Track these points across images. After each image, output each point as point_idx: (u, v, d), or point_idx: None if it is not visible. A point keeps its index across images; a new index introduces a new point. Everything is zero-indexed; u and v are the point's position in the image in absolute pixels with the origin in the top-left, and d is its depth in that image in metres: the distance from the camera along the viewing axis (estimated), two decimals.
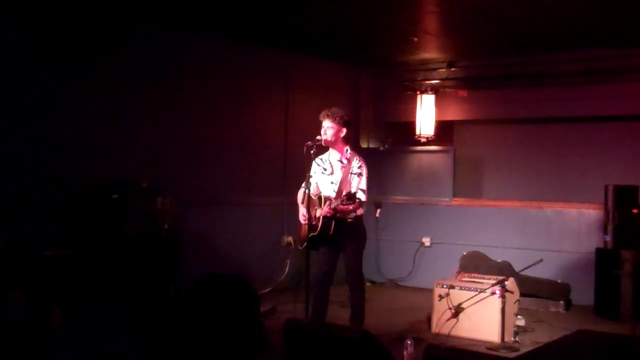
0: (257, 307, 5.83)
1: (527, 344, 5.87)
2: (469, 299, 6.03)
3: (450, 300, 6.11)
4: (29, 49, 5.90)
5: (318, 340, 3.53)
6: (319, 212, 5.36)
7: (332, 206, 5.30)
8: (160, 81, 6.98)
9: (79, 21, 6.26)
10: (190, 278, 5.98)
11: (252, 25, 7.14)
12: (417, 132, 8.84)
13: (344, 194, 5.26)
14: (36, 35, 5.94)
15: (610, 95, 7.84)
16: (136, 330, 5.07)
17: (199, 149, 7.39)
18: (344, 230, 5.44)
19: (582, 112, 8.09)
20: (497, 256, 7.57)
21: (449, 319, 6.06)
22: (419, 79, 8.91)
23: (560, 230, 7.96)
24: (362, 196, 5.45)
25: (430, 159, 8.98)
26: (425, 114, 8.81)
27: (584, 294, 7.42)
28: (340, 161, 5.55)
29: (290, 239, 8.09)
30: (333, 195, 5.44)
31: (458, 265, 7.40)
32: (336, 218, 5.37)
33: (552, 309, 7.35)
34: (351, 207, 5.35)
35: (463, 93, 8.86)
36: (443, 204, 8.71)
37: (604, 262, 7.21)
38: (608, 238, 7.23)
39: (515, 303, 6.13)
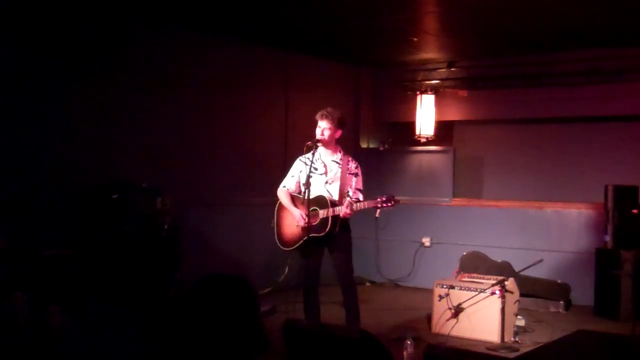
0: (257, 307, 5.83)
1: (527, 344, 5.87)
2: (468, 299, 6.03)
3: (450, 301, 6.11)
4: (29, 49, 5.90)
5: (318, 340, 3.53)
6: (322, 213, 5.32)
7: (355, 207, 5.30)
8: (160, 81, 6.98)
9: (79, 21, 6.26)
10: (190, 278, 5.99)
11: (252, 25, 7.14)
12: (417, 132, 8.84)
13: (383, 198, 5.26)
14: (36, 35, 5.94)
15: (610, 95, 7.84)
16: (136, 330, 5.08)
17: (199, 149, 7.40)
18: (339, 231, 5.43)
19: (582, 112, 8.10)
20: (497, 256, 7.57)
21: (448, 319, 6.06)
22: (419, 79, 8.92)
23: (560, 230, 7.96)
24: (360, 196, 5.46)
25: (430, 159, 8.98)
26: (425, 114, 8.81)
27: (583, 294, 7.42)
28: (336, 161, 5.54)
29: None
30: (328, 195, 5.41)
31: (458, 266, 7.41)
32: (340, 219, 5.36)
33: (552, 309, 7.35)
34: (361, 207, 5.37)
35: (463, 93, 8.86)
36: (443, 204, 8.72)
37: (603, 262, 7.21)
38: (608, 238, 7.23)
39: (515, 303, 6.13)
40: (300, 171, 5.58)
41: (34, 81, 5.95)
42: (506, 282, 5.99)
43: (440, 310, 6.18)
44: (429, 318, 6.47)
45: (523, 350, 5.70)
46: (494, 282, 6.05)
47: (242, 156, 7.88)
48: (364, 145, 9.49)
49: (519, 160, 8.88)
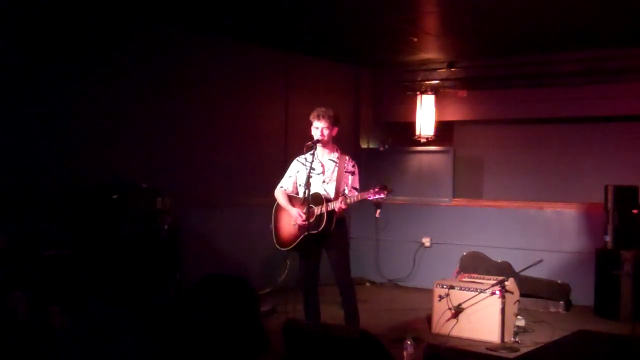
0: (257, 307, 5.83)
1: (527, 344, 5.87)
2: (468, 300, 6.03)
3: (450, 301, 6.11)
4: (29, 49, 5.90)
5: (318, 340, 3.53)
6: (317, 210, 5.34)
7: (352, 200, 5.29)
8: (160, 81, 6.98)
9: (80, 21, 6.25)
10: (190, 278, 5.98)
11: (252, 25, 7.14)
12: (417, 133, 8.84)
13: (376, 189, 5.23)
14: (36, 35, 5.94)
15: (610, 95, 7.84)
16: (136, 331, 5.08)
17: (199, 149, 7.39)
18: (335, 230, 5.43)
19: (582, 112, 8.09)
20: (497, 256, 7.57)
21: (448, 319, 6.06)
22: (419, 79, 8.91)
23: (560, 230, 7.96)
24: (356, 194, 5.45)
25: (430, 159, 8.98)
26: (425, 114, 8.81)
27: (584, 294, 7.42)
28: (333, 160, 5.54)
29: None
30: (324, 193, 5.42)
31: (458, 266, 7.41)
32: (336, 215, 5.36)
33: (552, 309, 7.35)
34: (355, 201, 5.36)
35: (463, 93, 8.87)
36: (443, 204, 8.72)
37: (603, 262, 7.21)
38: (608, 238, 7.23)
39: (515, 303, 6.13)
40: (298, 171, 5.59)
41: (34, 81, 5.94)
42: (506, 282, 5.99)
43: (440, 310, 6.18)
44: (429, 318, 6.47)
45: (523, 350, 5.70)
46: (494, 282, 6.06)
47: (242, 156, 7.87)
48: (364, 145, 9.49)
49: (519, 160, 8.87)
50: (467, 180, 9.00)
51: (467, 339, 5.95)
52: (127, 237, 6.03)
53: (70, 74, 6.19)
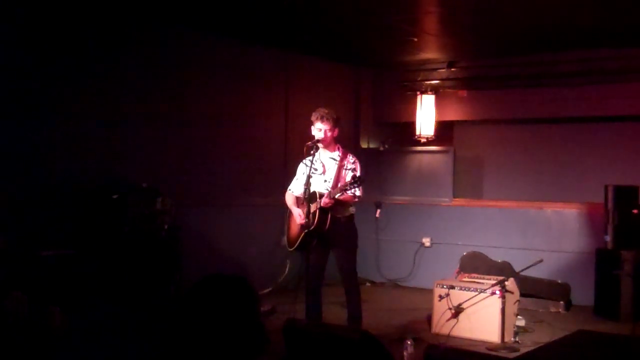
0: (257, 307, 5.82)
1: (527, 344, 5.87)
2: (469, 299, 6.03)
3: (450, 301, 6.11)
4: (29, 49, 5.90)
5: (318, 340, 3.53)
6: (312, 208, 5.35)
7: (333, 195, 5.30)
8: (160, 81, 6.98)
9: (80, 21, 6.25)
10: (190, 278, 5.97)
11: (252, 25, 7.14)
12: (417, 133, 8.84)
13: (347, 179, 5.25)
14: (36, 35, 5.94)
15: (610, 96, 7.84)
16: (136, 331, 5.08)
17: (199, 149, 7.39)
18: (337, 228, 5.44)
19: (582, 112, 8.09)
20: (497, 256, 7.57)
21: (449, 319, 6.06)
22: (419, 79, 8.91)
23: (560, 230, 7.96)
24: (357, 191, 5.44)
25: (430, 159, 8.98)
26: (425, 114, 8.81)
27: (584, 294, 7.41)
28: (333, 159, 5.56)
29: None
30: (325, 192, 5.43)
31: (458, 266, 7.40)
32: (331, 213, 5.37)
33: (552, 309, 7.35)
34: (350, 196, 5.35)
35: (463, 93, 8.87)
36: (443, 204, 8.71)
37: (604, 262, 7.21)
38: (608, 238, 7.23)
39: (515, 303, 6.13)
40: (303, 173, 5.62)
41: (33, 81, 5.94)
42: (506, 282, 5.99)
43: (441, 310, 6.18)
44: (429, 318, 6.47)
45: (523, 350, 5.70)
46: (494, 282, 6.05)
47: (242, 156, 7.87)
48: (364, 145, 9.49)
49: (519, 160, 8.87)
50: (467, 180, 9.00)
51: (467, 339, 5.95)
52: (127, 237, 6.03)
53: (70, 73, 6.19)
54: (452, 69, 8.71)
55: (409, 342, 4.77)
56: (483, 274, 6.70)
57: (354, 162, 5.57)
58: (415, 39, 7.51)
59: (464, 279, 6.40)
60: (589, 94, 7.97)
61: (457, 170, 8.76)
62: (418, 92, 8.84)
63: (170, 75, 7.08)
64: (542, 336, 6.12)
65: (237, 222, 7.74)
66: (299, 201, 5.65)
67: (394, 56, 8.58)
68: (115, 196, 6.05)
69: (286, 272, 8.13)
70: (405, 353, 4.75)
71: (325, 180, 5.51)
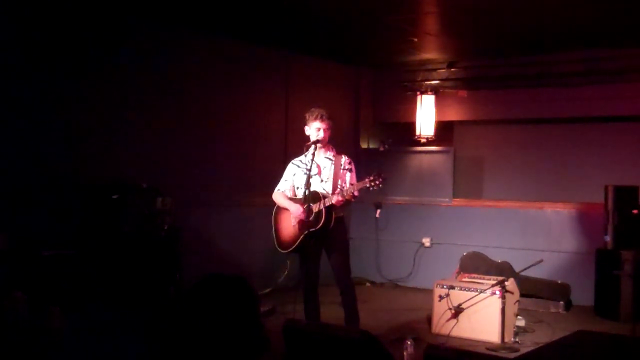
0: (257, 307, 5.82)
1: (527, 345, 5.87)
2: (469, 300, 6.03)
3: (450, 301, 6.11)
4: (29, 48, 5.90)
5: (318, 340, 3.53)
6: (315, 208, 5.34)
7: (351, 191, 5.28)
8: (160, 81, 6.98)
9: (80, 20, 6.25)
10: (190, 278, 5.98)
11: (252, 25, 7.14)
12: (417, 133, 8.84)
13: (371, 178, 5.22)
14: (36, 35, 5.94)
15: (610, 96, 7.84)
16: (136, 331, 5.07)
17: (199, 149, 7.39)
18: (335, 229, 5.42)
19: (582, 112, 8.09)
20: (497, 256, 7.57)
21: (449, 320, 6.06)
22: (419, 79, 8.91)
23: (560, 230, 7.96)
24: (356, 191, 5.44)
25: (430, 159, 8.98)
26: (425, 115, 8.81)
27: (584, 295, 7.42)
28: (329, 158, 5.55)
29: None
30: (323, 192, 5.42)
31: (458, 266, 7.40)
32: (335, 212, 5.36)
33: (552, 310, 7.35)
34: (350, 195, 5.35)
35: (463, 93, 8.86)
36: (443, 204, 8.71)
37: (604, 262, 7.21)
38: (608, 238, 7.23)
39: (515, 303, 6.13)
40: (294, 174, 5.60)
41: (33, 80, 5.94)
42: (506, 283, 5.99)
43: (441, 310, 6.18)
44: (429, 318, 6.47)
45: (523, 350, 5.70)
46: (494, 282, 6.05)
47: (242, 156, 7.87)
48: (364, 145, 9.49)
49: (519, 160, 8.87)
50: (467, 180, 9.00)
51: (467, 339, 5.95)
52: (127, 237, 6.03)
53: (70, 73, 6.18)
54: (452, 69, 8.71)
55: (409, 342, 4.77)
56: (483, 274, 6.71)
57: (350, 163, 5.56)
58: (415, 39, 7.51)
59: (464, 279, 6.40)
60: (589, 94, 7.96)
61: (457, 170, 8.76)
62: (418, 92, 8.84)
63: (170, 75, 7.08)
64: (542, 336, 6.12)
65: (237, 222, 7.74)
66: (292, 201, 5.61)
67: (394, 56, 8.58)
68: (115, 196, 6.05)
69: (286, 272, 8.13)
70: (405, 353, 4.74)
71: (323, 181, 5.49)
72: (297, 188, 5.58)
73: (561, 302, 7.36)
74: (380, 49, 8.25)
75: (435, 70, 8.80)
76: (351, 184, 5.44)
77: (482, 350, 5.61)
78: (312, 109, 5.49)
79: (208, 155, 7.49)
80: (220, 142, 7.65)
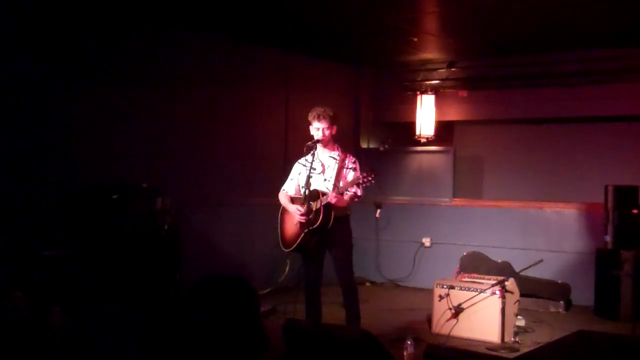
0: (257, 307, 5.82)
1: (527, 344, 5.87)
2: (469, 299, 6.03)
3: (450, 301, 6.11)
4: (29, 49, 5.90)
5: (318, 340, 3.53)
6: (314, 206, 5.34)
7: (342, 189, 5.29)
8: (160, 81, 6.98)
9: (79, 21, 6.25)
10: (190, 278, 5.97)
11: (252, 25, 7.14)
12: (417, 133, 8.84)
13: (364, 174, 5.23)
14: (36, 35, 5.94)
15: (610, 96, 7.84)
16: (136, 331, 5.07)
17: (199, 149, 7.39)
18: (337, 229, 5.43)
19: (582, 112, 8.09)
20: (497, 256, 7.57)
21: (449, 319, 6.06)
22: (419, 79, 8.91)
23: (560, 230, 7.96)
24: (358, 190, 5.43)
25: (430, 159, 8.98)
26: (425, 114, 8.81)
27: (584, 294, 7.42)
28: (333, 157, 5.55)
29: None
30: (325, 190, 5.42)
31: (458, 266, 7.40)
32: (334, 210, 5.35)
33: (552, 309, 7.35)
34: (352, 195, 5.34)
35: (463, 93, 8.87)
36: (443, 204, 8.71)
37: (604, 262, 7.21)
38: (608, 238, 7.23)
39: (515, 303, 6.13)
40: (299, 173, 5.61)
41: (33, 81, 5.94)
42: (506, 282, 5.99)
43: (441, 310, 6.18)
44: (429, 318, 6.47)
45: (523, 350, 5.69)
46: (494, 282, 6.05)
47: (242, 156, 7.87)
48: (364, 145, 9.49)
49: (519, 160, 8.87)
50: (467, 180, 9.00)
51: (467, 339, 5.95)
52: (127, 237, 6.03)
53: (70, 73, 6.18)
54: (452, 69, 8.71)
55: (409, 342, 4.77)
56: (483, 274, 6.71)
57: (354, 162, 5.56)
58: (415, 39, 7.51)
59: (464, 279, 6.40)
60: (589, 94, 7.96)
61: (457, 170, 8.76)
62: (418, 92, 8.84)
63: (171, 75, 7.08)
64: (542, 336, 6.12)
65: (237, 222, 7.74)
66: (295, 201, 5.61)
67: (394, 56, 8.58)
68: (115, 196, 6.05)
69: (286, 272, 8.13)
70: (405, 353, 4.75)
71: (326, 180, 5.50)
72: (302, 187, 5.59)
73: (561, 302, 7.36)
74: (380, 49, 8.25)
75: (435, 70, 8.80)
76: (356, 188, 5.44)
77: (482, 350, 5.61)
78: (313, 108, 5.49)
79: (208, 155, 7.49)
80: (220, 142, 7.65)
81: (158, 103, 6.97)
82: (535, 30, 7.16)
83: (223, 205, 7.61)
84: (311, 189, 5.39)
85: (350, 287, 5.58)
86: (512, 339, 5.92)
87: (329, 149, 5.55)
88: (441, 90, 8.87)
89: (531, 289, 7.26)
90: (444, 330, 6.02)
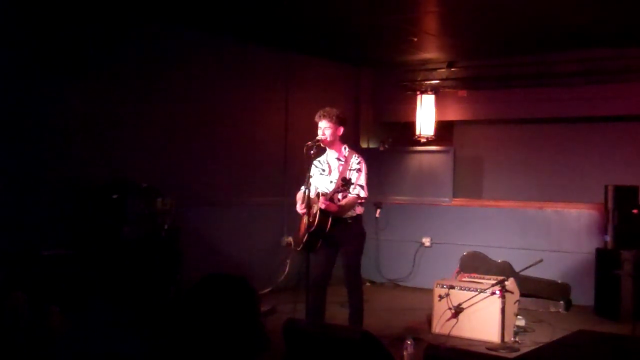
0: (257, 307, 5.82)
1: (527, 344, 5.87)
2: (469, 299, 6.03)
3: (450, 301, 6.11)
4: (29, 49, 5.90)
5: (318, 340, 3.53)
6: (315, 208, 5.35)
7: (328, 196, 5.29)
8: (160, 81, 6.98)
9: (80, 21, 6.25)
10: (190, 278, 5.98)
11: (252, 25, 7.14)
12: (417, 132, 8.84)
13: (341, 182, 5.26)
14: (36, 35, 5.94)
15: (610, 96, 7.84)
16: (136, 331, 5.08)
17: (199, 149, 7.39)
18: (343, 229, 5.43)
19: (581, 112, 8.10)
20: (497, 256, 7.57)
21: (449, 319, 6.06)
22: (419, 79, 8.91)
23: (560, 230, 7.96)
24: (361, 192, 5.43)
25: (430, 159, 8.98)
26: (425, 114, 8.81)
27: (584, 294, 7.42)
28: (338, 159, 5.55)
29: (290, 239, 8.09)
30: (328, 192, 5.43)
31: (458, 266, 7.40)
32: (333, 215, 5.34)
33: (552, 309, 7.35)
34: (353, 198, 5.33)
35: (463, 93, 8.87)
36: (443, 204, 8.71)
37: (604, 262, 7.21)
38: (608, 238, 7.23)
39: (515, 303, 6.13)
40: (314, 174, 5.62)
41: (33, 80, 5.94)
42: (506, 282, 5.99)
43: (441, 310, 6.18)
44: (429, 318, 6.47)
45: (523, 350, 5.70)
46: (494, 282, 6.06)
47: (242, 156, 7.87)
48: (364, 145, 9.49)
49: (519, 160, 8.88)
50: (467, 180, 9.00)
51: (467, 339, 5.95)
52: (127, 237, 6.03)
53: (70, 73, 6.18)
54: (452, 69, 8.71)
55: (409, 342, 4.77)
56: (483, 274, 6.71)
57: (359, 163, 5.52)
58: (415, 39, 7.51)
59: (464, 279, 6.40)
60: (589, 94, 7.97)
61: (457, 170, 8.76)
62: (418, 92, 8.84)
63: (171, 75, 7.08)
64: (542, 336, 6.12)
65: (237, 222, 7.74)
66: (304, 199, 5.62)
67: (394, 56, 8.58)
68: (115, 196, 6.05)
69: (286, 272, 8.13)
70: (405, 353, 4.74)
71: (331, 182, 5.51)
72: (303, 186, 5.60)
73: (561, 302, 7.36)
74: (380, 48, 8.25)
75: (435, 70, 8.80)
76: (359, 186, 5.43)
77: (482, 350, 5.61)
78: (322, 108, 5.48)
79: (208, 155, 7.49)
80: (220, 142, 7.65)
81: (158, 103, 6.96)
82: (535, 30, 7.16)
83: (223, 205, 7.61)
84: (318, 190, 5.42)
85: (356, 287, 5.57)
86: (512, 339, 5.92)
87: (335, 149, 5.55)
88: (441, 90, 8.87)
89: (531, 288, 7.26)
90: (444, 330, 6.02)
